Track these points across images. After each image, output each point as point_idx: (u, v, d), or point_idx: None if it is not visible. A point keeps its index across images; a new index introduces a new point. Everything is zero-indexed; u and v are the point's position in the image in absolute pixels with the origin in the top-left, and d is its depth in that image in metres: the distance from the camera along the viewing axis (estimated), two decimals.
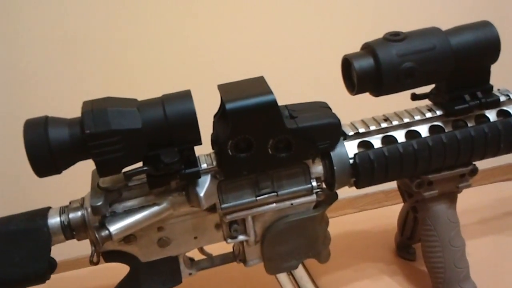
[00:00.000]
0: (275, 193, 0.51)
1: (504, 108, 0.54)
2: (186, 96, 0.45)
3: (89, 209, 0.48)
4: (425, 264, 0.59)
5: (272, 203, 0.52)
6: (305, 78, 1.18)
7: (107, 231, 0.46)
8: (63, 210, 0.49)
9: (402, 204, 0.63)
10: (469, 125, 0.53)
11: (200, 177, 0.48)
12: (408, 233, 0.65)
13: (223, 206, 0.50)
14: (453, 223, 0.57)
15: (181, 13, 1.10)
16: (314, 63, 1.17)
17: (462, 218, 0.57)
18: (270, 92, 0.46)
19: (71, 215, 0.48)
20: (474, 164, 0.55)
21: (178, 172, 0.46)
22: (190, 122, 0.45)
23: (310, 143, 0.49)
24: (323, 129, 0.49)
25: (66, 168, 0.45)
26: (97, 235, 0.46)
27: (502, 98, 0.54)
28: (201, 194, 0.48)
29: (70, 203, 0.50)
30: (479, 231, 0.62)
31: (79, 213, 0.48)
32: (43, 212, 0.49)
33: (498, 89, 0.55)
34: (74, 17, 1.03)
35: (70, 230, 0.48)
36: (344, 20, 1.20)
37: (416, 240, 0.65)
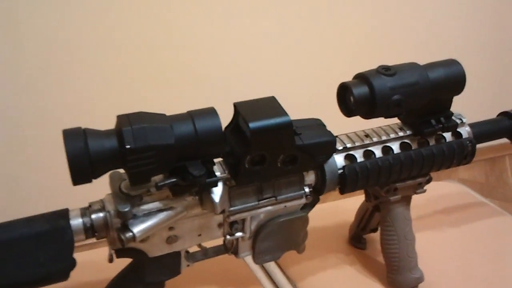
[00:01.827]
0: (275, 198, 0.58)
1: (458, 130, 0.66)
2: (212, 112, 0.50)
3: (112, 212, 0.51)
4: (383, 254, 0.70)
5: (270, 205, 0.59)
6: (299, 96, 1.23)
7: (131, 233, 0.50)
8: (84, 212, 0.52)
9: (352, 197, 0.73)
10: (431, 143, 0.64)
11: (217, 186, 0.53)
12: (362, 225, 0.76)
13: (231, 209, 0.56)
14: (408, 220, 0.68)
15: (185, 23, 1.08)
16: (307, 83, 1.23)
17: None
18: (286, 114, 0.52)
19: (93, 217, 0.51)
20: (430, 175, 0.67)
21: (202, 181, 0.51)
22: (217, 137, 0.50)
23: (311, 157, 0.56)
24: (323, 146, 0.56)
25: (98, 177, 0.48)
26: (122, 237, 0.50)
27: (457, 121, 0.65)
28: (217, 201, 0.53)
29: (90, 205, 0.53)
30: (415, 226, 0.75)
31: (101, 215, 0.52)
32: (64, 214, 0.51)
33: (453, 113, 0.66)
34: (77, 21, 0.98)
35: (92, 231, 0.52)
36: (336, 49, 1.27)
37: (367, 231, 0.76)
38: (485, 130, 0.69)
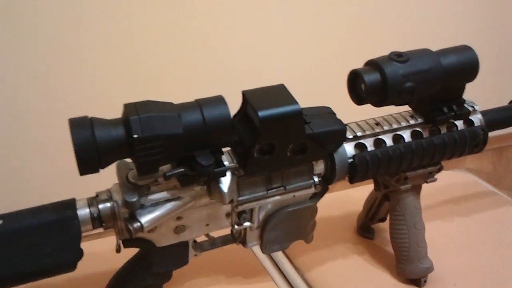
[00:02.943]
0: (284, 188, 0.57)
1: (470, 117, 0.64)
2: (221, 101, 0.49)
3: (120, 202, 0.50)
4: (392, 244, 0.69)
5: (278, 195, 0.58)
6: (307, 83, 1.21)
7: (138, 223, 0.50)
8: (91, 202, 0.51)
9: (360, 187, 0.72)
10: (442, 131, 0.63)
11: (225, 176, 0.52)
12: (371, 215, 0.75)
13: (239, 199, 0.56)
14: (418, 209, 0.68)
15: (186, 15, 1.06)
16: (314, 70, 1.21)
17: None
18: (296, 102, 0.51)
19: (100, 207, 0.51)
20: (441, 163, 0.66)
21: (211, 171, 0.50)
22: (226, 126, 0.49)
23: (321, 146, 0.55)
24: (333, 134, 0.55)
25: (105, 167, 0.47)
26: (130, 227, 0.50)
27: (469, 109, 0.64)
28: (225, 191, 0.52)
29: (97, 195, 0.52)
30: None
31: (108, 205, 0.51)
32: (70, 204, 0.51)
33: (465, 101, 0.65)
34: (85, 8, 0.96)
35: (99, 221, 0.51)
36: (346, 35, 1.24)
37: (376, 221, 0.76)
38: (497, 118, 0.68)
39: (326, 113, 0.57)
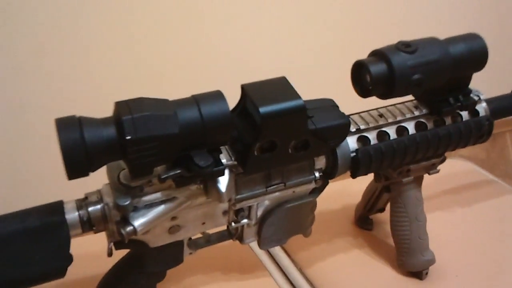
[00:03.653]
0: (284, 184, 0.54)
1: (475, 107, 0.62)
2: (219, 96, 0.46)
3: (111, 204, 0.47)
4: (393, 236, 0.67)
5: (278, 191, 0.55)
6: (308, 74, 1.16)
7: (131, 227, 0.47)
8: (80, 205, 0.48)
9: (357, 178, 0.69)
10: (447, 122, 0.60)
11: (223, 175, 0.49)
12: (370, 206, 0.73)
13: (237, 197, 0.53)
14: (419, 201, 0.66)
15: (185, 12, 1.00)
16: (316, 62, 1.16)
17: None
18: (299, 97, 0.48)
19: (90, 210, 0.48)
20: (445, 155, 0.63)
21: (209, 172, 0.47)
22: (225, 124, 0.45)
23: (324, 142, 0.52)
24: (336, 129, 0.52)
25: (95, 170, 0.43)
26: (122, 231, 0.47)
27: (474, 98, 0.61)
28: (223, 190, 0.49)
29: (86, 197, 0.49)
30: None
31: (98, 207, 0.48)
32: (58, 207, 0.47)
33: (471, 90, 0.62)
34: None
35: (89, 225, 0.48)
36: (350, 22, 1.19)
37: (374, 212, 0.74)
38: (502, 106, 0.66)
39: (329, 106, 0.54)
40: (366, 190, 0.73)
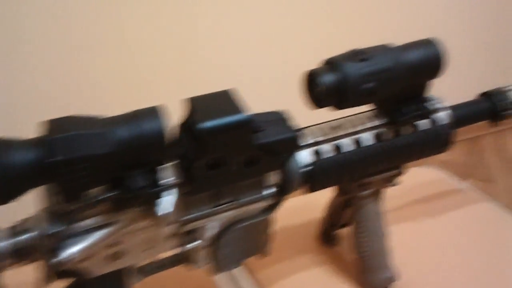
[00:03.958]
0: (235, 202, 0.51)
1: (436, 115, 0.60)
2: (153, 113, 0.42)
3: (43, 233, 0.43)
4: (355, 252, 0.64)
5: (230, 210, 0.52)
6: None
7: (61, 257, 0.43)
8: (9, 233, 0.43)
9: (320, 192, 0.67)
10: (407, 132, 0.58)
11: (164, 195, 0.46)
12: (333, 221, 0.70)
13: (184, 218, 0.49)
14: (379, 215, 0.63)
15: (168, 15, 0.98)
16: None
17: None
18: (244, 110, 0.45)
19: (20, 239, 0.43)
20: (402, 167, 0.61)
21: (146, 193, 0.43)
22: (159, 142, 0.42)
23: (273, 156, 0.49)
24: (285, 143, 0.49)
25: (18, 197, 0.39)
26: (52, 261, 0.42)
27: (434, 106, 0.59)
28: (164, 212, 0.46)
29: (15, 225, 0.44)
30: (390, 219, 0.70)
31: (28, 236, 0.43)
32: None
33: (430, 98, 0.60)
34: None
35: (18, 256, 0.43)
36: (305, 31, 1.18)
37: (338, 227, 0.71)
38: (465, 114, 0.64)
39: (279, 118, 0.51)
40: (329, 205, 0.70)
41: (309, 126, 0.55)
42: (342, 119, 0.57)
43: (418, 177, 0.80)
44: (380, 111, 0.57)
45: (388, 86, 0.50)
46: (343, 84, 0.48)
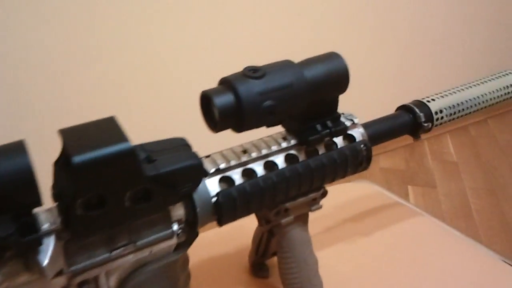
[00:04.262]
0: (133, 244, 0.46)
1: (349, 132, 0.57)
2: (18, 149, 0.37)
3: None
4: (282, 283, 0.60)
5: (129, 254, 0.46)
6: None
7: None
8: None
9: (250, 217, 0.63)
10: (320, 152, 0.55)
11: (41, 244, 0.40)
12: (261, 252, 0.66)
13: (71, 269, 0.43)
14: (307, 242, 0.59)
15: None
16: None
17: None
18: (126, 139, 0.40)
19: None
20: (324, 187, 0.58)
21: (15, 243, 0.37)
22: (25, 182, 0.36)
23: (171, 189, 0.44)
24: (185, 172, 0.45)
25: None
26: None
27: (347, 123, 0.57)
28: (45, 263, 0.40)
29: None
30: (322, 241, 0.65)
31: None
32: None
33: (343, 113, 0.57)
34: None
35: None
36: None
37: (268, 256, 0.66)
38: (382, 129, 0.62)
39: (178, 145, 0.47)
40: (254, 235, 0.65)
41: (213, 154, 0.51)
42: (249, 143, 0.53)
43: (351, 192, 0.77)
44: (289, 131, 0.54)
45: (289, 104, 0.47)
46: (238, 105, 0.45)
